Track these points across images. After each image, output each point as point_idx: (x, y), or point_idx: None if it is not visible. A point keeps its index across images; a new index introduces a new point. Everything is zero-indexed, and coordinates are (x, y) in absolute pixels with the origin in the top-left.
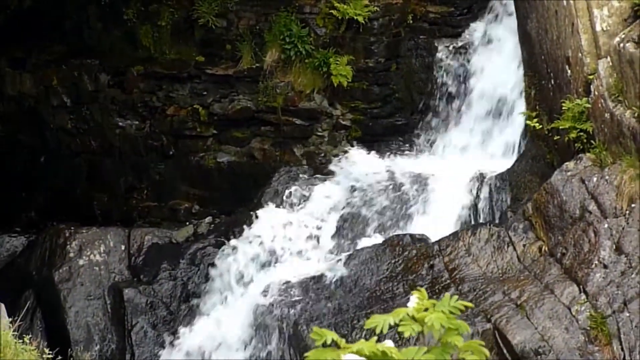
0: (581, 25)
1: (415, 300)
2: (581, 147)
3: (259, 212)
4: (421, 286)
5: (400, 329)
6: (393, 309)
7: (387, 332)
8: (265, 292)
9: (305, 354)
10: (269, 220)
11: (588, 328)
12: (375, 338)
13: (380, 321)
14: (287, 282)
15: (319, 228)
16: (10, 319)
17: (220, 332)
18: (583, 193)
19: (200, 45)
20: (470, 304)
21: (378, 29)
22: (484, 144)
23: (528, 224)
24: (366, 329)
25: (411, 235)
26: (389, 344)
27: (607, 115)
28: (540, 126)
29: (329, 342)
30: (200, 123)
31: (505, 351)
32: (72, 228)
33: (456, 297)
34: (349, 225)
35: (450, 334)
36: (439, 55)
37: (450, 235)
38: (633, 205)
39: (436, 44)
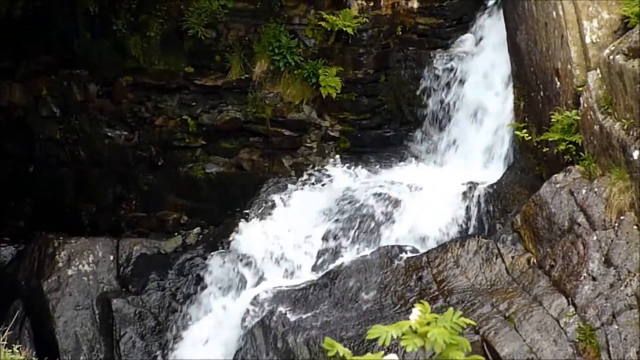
0: (571, 37)
1: (417, 313)
2: (570, 159)
3: (247, 223)
4: (409, 298)
5: (402, 343)
6: (381, 321)
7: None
8: (252, 304)
9: None
10: (257, 232)
11: (576, 340)
12: (382, 352)
13: (382, 332)
14: (275, 293)
15: (306, 239)
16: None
17: (208, 342)
18: (572, 205)
19: (189, 56)
20: (472, 322)
21: (367, 40)
22: (473, 155)
23: (517, 236)
24: (354, 341)
25: (399, 247)
26: (393, 357)
27: (596, 127)
28: (530, 138)
29: (341, 354)
30: (189, 134)
31: None
32: (61, 238)
33: (459, 313)
34: (337, 237)
35: (452, 349)
36: (428, 66)
37: (438, 246)
38: (622, 217)
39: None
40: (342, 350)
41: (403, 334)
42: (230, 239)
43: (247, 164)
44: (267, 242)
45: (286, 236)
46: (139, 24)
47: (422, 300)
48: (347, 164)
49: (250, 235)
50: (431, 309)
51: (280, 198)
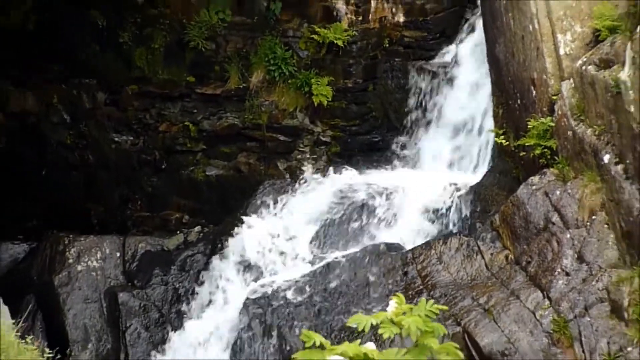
0: (546, 49)
1: (394, 304)
2: (545, 162)
3: (244, 222)
4: (396, 291)
5: (380, 331)
6: (370, 313)
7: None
8: (250, 297)
9: (294, 355)
10: (253, 230)
11: (551, 331)
12: (359, 341)
13: (363, 320)
14: (271, 287)
15: (300, 237)
16: (13, 321)
17: (208, 333)
18: (547, 205)
19: (190, 67)
20: (444, 307)
21: (356, 52)
22: (455, 159)
23: (495, 234)
24: (344, 332)
25: (386, 244)
26: (370, 346)
27: (569, 133)
28: (507, 143)
29: (317, 344)
30: (191, 139)
31: (474, 353)
32: (71, 236)
33: (432, 301)
34: (328, 235)
35: (427, 336)
36: (413, 76)
37: (423, 244)
38: (594, 217)
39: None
40: (319, 340)
41: (381, 323)
42: (229, 236)
43: (245, 167)
44: (264, 240)
45: (281, 234)
46: (143, 36)
47: (398, 293)
48: (338, 167)
49: (248, 234)
50: (416, 302)
51: (276, 199)
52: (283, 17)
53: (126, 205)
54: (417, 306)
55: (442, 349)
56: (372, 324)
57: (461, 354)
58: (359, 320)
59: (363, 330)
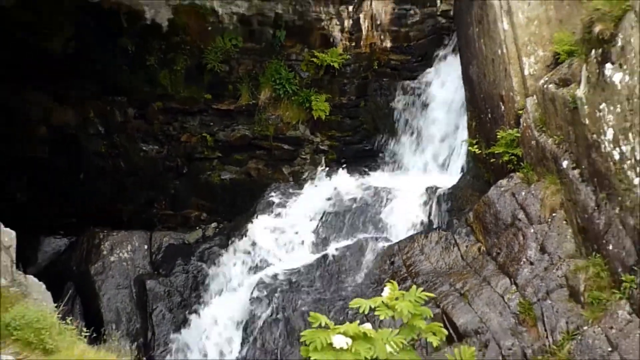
0: (513, 71)
1: (388, 290)
2: (512, 167)
3: (254, 219)
4: (384, 279)
5: (376, 313)
6: (362, 296)
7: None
8: (259, 283)
9: (302, 333)
10: (262, 226)
11: (518, 313)
12: (357, 322)
13: (363, 304)
14: (277, 275)
15: (302, 231)
16: (55, 305)
17: (223, 314)
18: (514, 204)
19: (207, 86)
20: (431, 294)
21: (350, 73)
22: (435, 165)
23: (469, 229)
24: (340, 313)
25: (376, 238)
26: (368, 326)
27: (533, 142)
28: (480, 151)
29: (322, 324)
30: (208, 148)
31: (451, 331)
32: (105, 231)
33: (421, 289)
34: (326, 229)
35: (416, 318)
36: (399, 93)
37: (407, 238)
38: (554, 214)
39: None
40: (325, 320)
41: (377, 307)
42: (242, 231)
43: (254, 172)
44: (271, 234)
45: (286, 228)
46: (167, 60)
47: (391, 281)
48: (334, 171)
49: (257, 229)
50: (401, 288)
51: (281, 199)
52: (287, 43)
53: (152, 205)
54: (408, 293)
55: (429, 328)
56: (370, 307)
57: (445, 332)
58: (360, 303)
59: (358, 312)
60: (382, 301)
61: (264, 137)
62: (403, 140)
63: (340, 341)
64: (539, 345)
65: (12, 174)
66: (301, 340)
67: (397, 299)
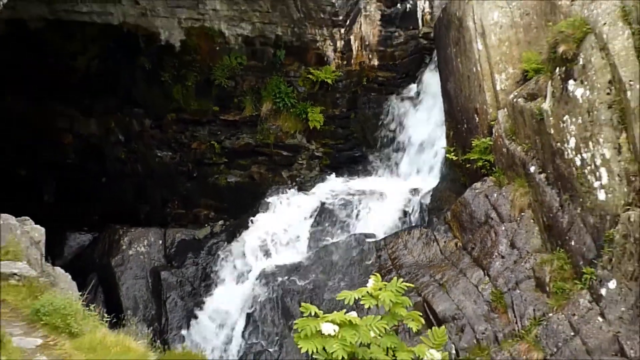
0: (486, 86)
1: (372, 282)
2: (485, 172)
3: (256, 217)
4: (372, 270)
5: (362, 302)
6: (352, 287)
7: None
8: (260, 276)
9: (295, 321)
10: (263, 223)
11: (490, 301)
12: (344, 310)
13: (348, 295)
14: (276, 267)
15: (298, 228)
16: (80, 294)
17: (229, 301)
18: (487, 205)
19: (215, 99)
20: (410, 285)
21: (342, 88)
22: (417, 169)
23: (447, 227)
24: (332, 301)
25: (365, 234)
26: (353, 314)
27: (504, 149)
28: (457, 157)
29: (313, 313)
30: (215, 154)
31: (431, 317)
32: (124, 228)
33: (401, 279)
34: (320, 226)
35: (397, 306)
36: (385, 105)
37: (392, 234)
38: (522, 213)
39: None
40: (314, 310)
41: (362, 296)
42: (245, 228)
43: (257, 176)
44: (271, 230)
45: (285, 225)
46: (180, 76)
47: (375, 273)
48: (328, 175)
49: (259, 226)
50: (387, 279)
51: (280, 200)
52: (286, 62)
53: (166, 205)
54: (390, 283)
55: (409, 315)
56: (355, 298)
57: (422, 320)
58: (346, 295)
59: (348, 303)
60: (367, 291)
61: (265, 144)
62: (389, 147)
63: (328, 328)
64: (509, 329)
65: (42, 178)
66: (294, 328)
67: (380, 289)
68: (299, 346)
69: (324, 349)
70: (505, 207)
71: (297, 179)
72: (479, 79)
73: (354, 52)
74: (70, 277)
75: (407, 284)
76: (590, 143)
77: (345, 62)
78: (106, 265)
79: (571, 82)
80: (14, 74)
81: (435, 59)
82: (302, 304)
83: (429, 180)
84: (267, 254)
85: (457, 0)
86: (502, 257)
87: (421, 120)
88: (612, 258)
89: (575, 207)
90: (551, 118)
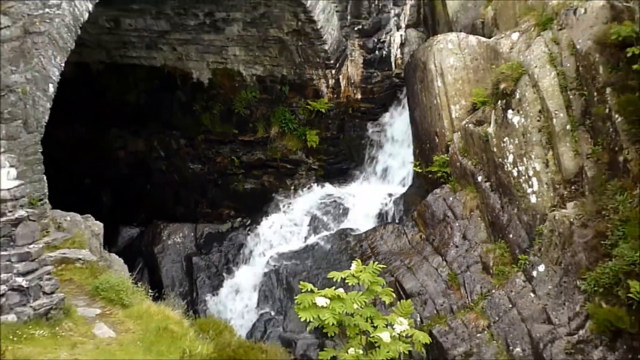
0: (444, 114)
1: (354, 265)
2: (444, 181)
3: (267, 216)
4: (355, 257)
5: (347, 281)
6: (342, 270)
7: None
8: (269, 259)
9: (295, 297)
10: (272, 220)
11: (447, 280)
12: (333, 287)
13: (337, 275)
14: (282, 254)
15: (299, 224)
16: (130, 274)
17: (245, 280)
18: (444, 206)
19: (235, 124)
20: (384, 266)
21: (333, 116)
22: (391, 179)
23: (414, 223)
24: (325, 280)
25: (350, 229)
26: (341, 290)
27: (458, 163)
28: (421, 170)
29: (309, 289)
30: (235, 166)
31: (401, 292)
32: (164, 223)
33: (377, 263)
34: (316, 223)
35: (374, 284)
36: (366, 130)
37: (371, 228)
38: (472, 213)
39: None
40: (310, 287)
41: (347, 277)
42: (258, 224)
43: (267, 183)
44: (278, 225)
45: (288, 222)
46: (208, 106)
47: (357, 259)
48: (322, 184)
49: (269, 222)
50: (367, 263)
51: (285, 202)
52: (290, 95)
53: (197, 206)
54: (368, 266)
55: (383, 292)
56: (342, 277)
57: (394, 295)
58: (335, 275)
59: (336, 281)
60: (351, 273)
61: (273, 159)
62: (369, 162)
63: (321, 301)
64: (462, 302)
65: (101, 185)
66: (295, 301)
67: (361, 271)
68: (299, 315)
69: (318, 317)
70: (459, 208)
71: (298, 186)
72: (438, 109)
73: (342, 88)
74: (122, 261)
75: (382, 266)
76: (524, 159)
77: (335, 96)
78: (150, 252)
79: (510, 111)
80: (81, 106)
81: (405, 93)
82: (301, 282)
83: (401, 187)
84: (275, 243)
85: (422, 49)
86: (456, 246)
87: (394, 141)
88: (541, 247)
89: (513, 208)
90: (494, 139)
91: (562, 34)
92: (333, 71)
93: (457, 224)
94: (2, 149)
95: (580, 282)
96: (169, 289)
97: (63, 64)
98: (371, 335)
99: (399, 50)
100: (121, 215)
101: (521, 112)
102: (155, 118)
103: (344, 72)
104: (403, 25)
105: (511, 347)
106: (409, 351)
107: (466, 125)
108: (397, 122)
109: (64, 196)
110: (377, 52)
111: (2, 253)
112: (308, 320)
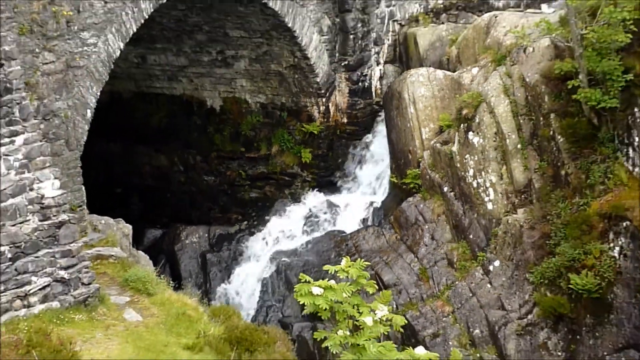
0: (416, 135)
1: (344, 261)
2: (416, 190)
3: (269, 220)
4: (342, 254)
5: (337, 274)
6: (331, 264)
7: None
8: (271, 256)
9: (295, 287)
10: (273, 223)
11: (418, 274)
12: (327, 279)
13: (330, 269)
14: (282, 251)
15: (296, 227)
16: (154, 268)
17: (250, 274)
18: (416, 212)
19: (242, 143)
20: (368, 263)
21: (323, 137)
22: (372, 189)
23: (391, 226)
24: (319, 273)
25: (338, 231)
26: (332, 282)
27: (427, 176)
28: (397, 181)
29: (307, 280)
30: (242, 179)
31: (381, 284)
32: (183, 226)
33: (363, 260)
34: (310, 226)
35: (360, 277)
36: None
37: (355, 230)
38: (439, 217)
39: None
40: (307, 278)
41: (337, 271)
42: (262, 227)
43: (269, 193)
44: (278, 228)
45: (287, 225)
46: (219, 128)
47: (346, 256)
48: (315, 193)
49: (270, 225)
50: (352, 259)
51: (284, 209)
52: (288, 119)
53: (210, 212)
54: (356, 262)
55: (367, 283)
56: (334, 271)
57: (376, 286)
58: (328, 268)
59: (328, 273)
60: (341, 267)
61: (274, 172)
62: (354, 176)
63: (316, 290)
64: (430, 292)
65: (130, 194)
66: (294, 290)
67: (349, 266)
68: (298, 300)
69: (314, 303)
70: (428, 213)
71: (294, 195)
72: (411, 131)
73: (331, 114)
74: (148, 257)
75: (367, 263)
76: (482, 172)
77: (325, 120)
78: (171, 250)
79: (471, 133)
80: (113, 128)
81: (384, 118)
82: (301, 274)
83: (380, 196)
84: (276, 242)
85: (398, 81)
86: (426, 245)
87: (375, 158)
88: (497, 246)
89: (473, 213)
90: (458, 156)
91: (514, 68)
92: (324, 99)
93: (426, 227)
94: (48, 164)
95: (528, 275)
96: (186, 281)
97: (99, 93)
98: (357, 320)
99: (378, 82)
100: (147, 219)
101: (480, 133)
102: (176, 138)
103: (333, 100)
104: (382, 61)
105: (471, 329)
106: (388, 332)
107: (434, 145)
108: (377, 142)
109: (99, 203)
110: (360, 83)
111: (48, 250)
112: (306, 305)
